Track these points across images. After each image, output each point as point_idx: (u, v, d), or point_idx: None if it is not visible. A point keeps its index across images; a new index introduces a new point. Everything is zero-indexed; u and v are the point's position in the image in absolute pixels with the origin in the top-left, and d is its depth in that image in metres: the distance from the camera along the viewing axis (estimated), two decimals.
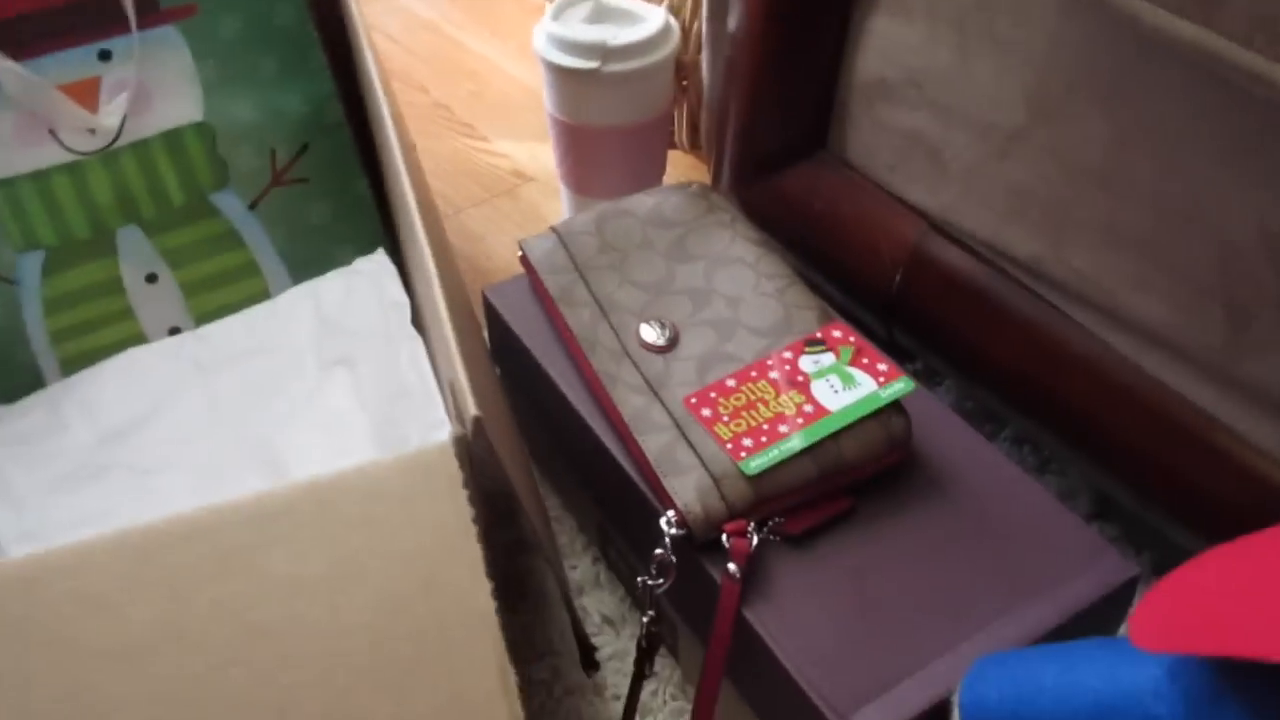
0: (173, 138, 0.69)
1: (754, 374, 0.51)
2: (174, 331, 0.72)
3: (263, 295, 0.74)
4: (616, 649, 0.59)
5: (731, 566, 0.46)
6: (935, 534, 0.49)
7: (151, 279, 0.71)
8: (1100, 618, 0.48)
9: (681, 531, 0.48)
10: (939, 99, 0.54)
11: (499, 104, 1.07)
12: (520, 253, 0.62)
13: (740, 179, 0.67)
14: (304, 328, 0.65)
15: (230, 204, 0.71)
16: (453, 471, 0.35)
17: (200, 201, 0.70)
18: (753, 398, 0.50)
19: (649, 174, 0.82)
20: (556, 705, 0.57)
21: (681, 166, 0.96)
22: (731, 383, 0.51)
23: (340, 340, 0.63)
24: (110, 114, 0.68)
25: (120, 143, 0.69)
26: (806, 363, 0.52)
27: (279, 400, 0.62)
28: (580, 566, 0.63)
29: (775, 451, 0.48)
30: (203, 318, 0.72)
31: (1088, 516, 0.64)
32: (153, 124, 0.69)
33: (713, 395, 0.51)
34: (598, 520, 0.61)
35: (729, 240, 0.59)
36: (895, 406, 0.50)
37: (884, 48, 0.56)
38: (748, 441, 0.48)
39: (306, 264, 0.74)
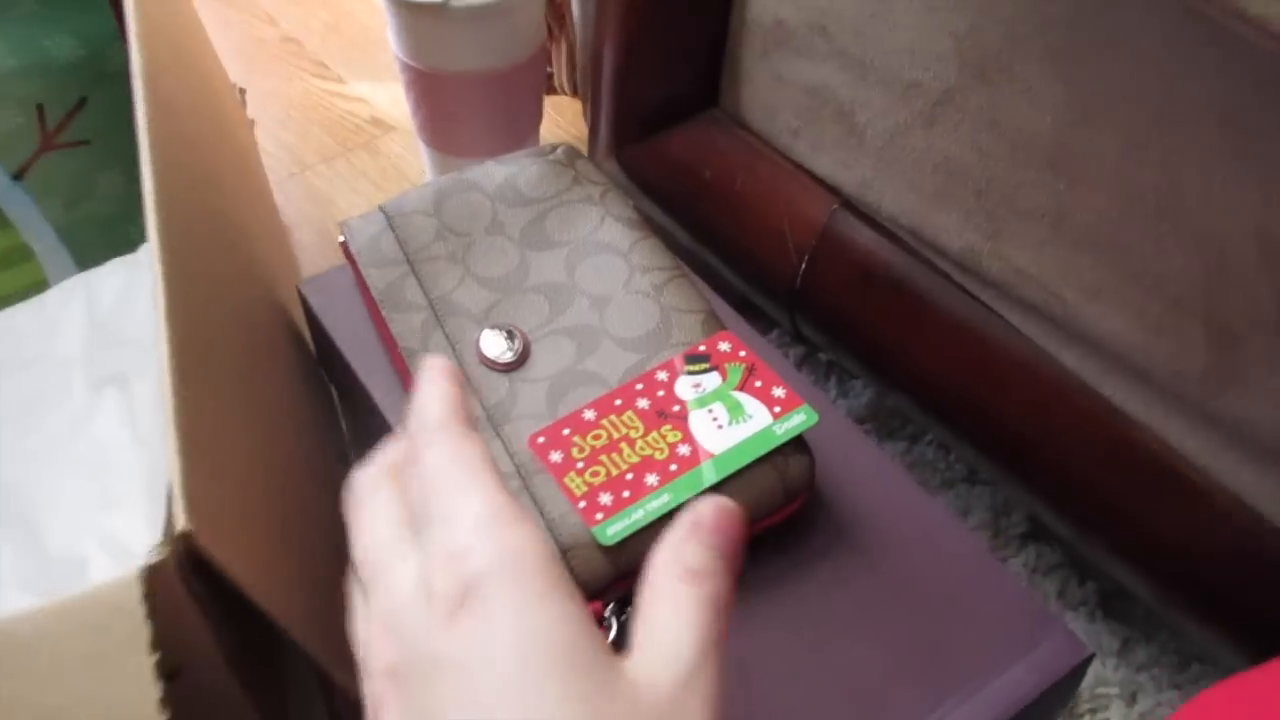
0: None
1: (618, 402, 0.40)
2: None
3: (41, 285, 0.60)
4: None
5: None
6: (843, 607, 0.39)
7: None
8: (1044, 709, 0.39)
9: None
10: (850, 49, 0.43)
11: (358, 39, 0.92)
12: (341, 238, 0.50)
13: (619, 138, 0.56)
14: (73, 335, 0.52)
15: None
16: (136, 624, 0.24)
17: None
18: (615, 435, 0.39)
19: (520, 127, 0.69)
20: None
21: (567, 114, 0.83)
22: (590, 414, 0.40)
23: (113, 353, 0.50)
24: None
25: None
26: (685, 386, 0.41)
27: (38, 433, 0.49)
28: None
29: (639, 513, 0.37)
30: None
31: (1022, 537, 0.55)
32: None
33: (565, 432, 0.40)
34: None
35: (598, 221, 0.48)
36: (795, 443, 0.40)
37: None
38: (605, 498, 0.37)
39: (95, 247, 0.61)
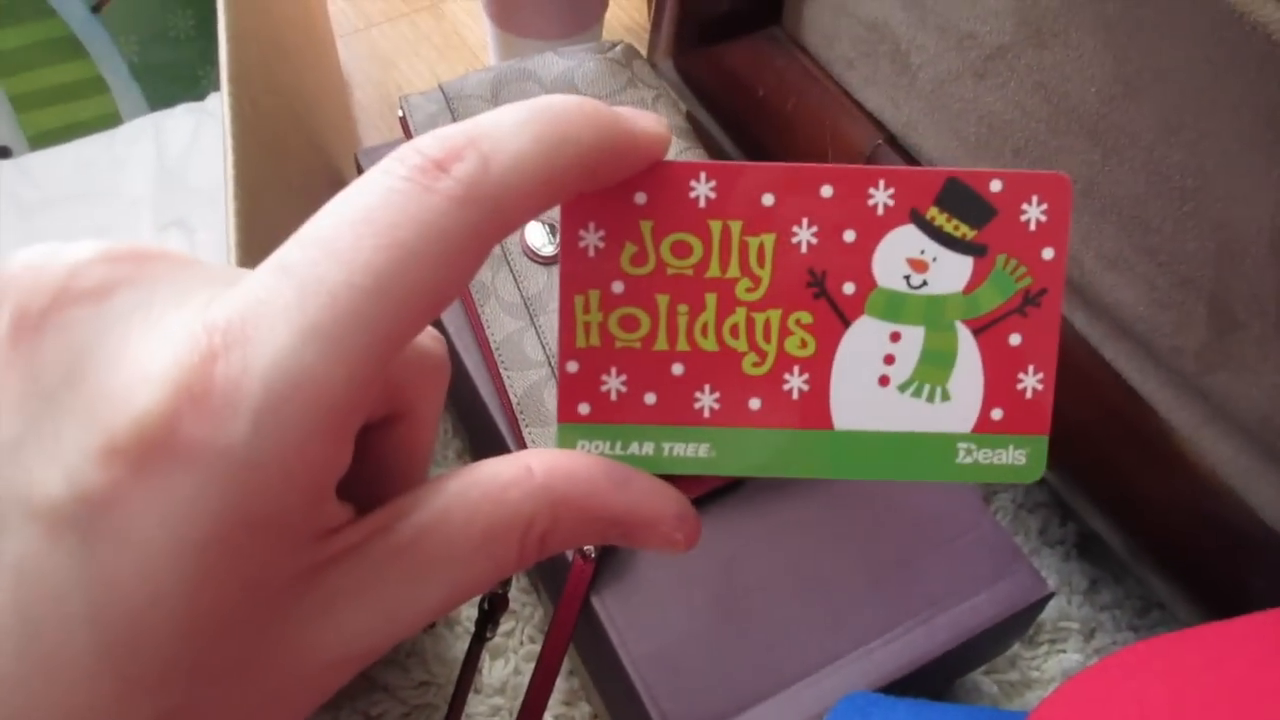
0: None
1: (771, 197, 0.20)
2: (4, 152, 0.61)
3: (113, 119, 0.63)
4: None
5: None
6: (830, 523, 0.42)
7: None
8: (998, 638, 0.43)
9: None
10: None
11: None
12: (400, 112, 0.51)
13: (679, 42, 0.56)
14: (142, 174, 0.55)
15: (68, 3, 0.59)
16: None
17: None
18: (719, 265, 0.20)
19: (584, 12, 0.69)
20: None
21: (631, 5, 0.83)
22: (704, 190, 0.19)
23: (179, 196, 0.53)
24: None
25: None
26: (898, 250, 0.20)
27: None
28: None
29: (646, 447, 0.20)
30: (39, 138, 0.61)
31: None
32: None
33: (640, 201, 0.21)
34: (473, 451, 0.54)
35: None
36: None
37: None
38: (612, 383, 0.20)
39: (166, 86, 0.63)
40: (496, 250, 0.46)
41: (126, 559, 0.14)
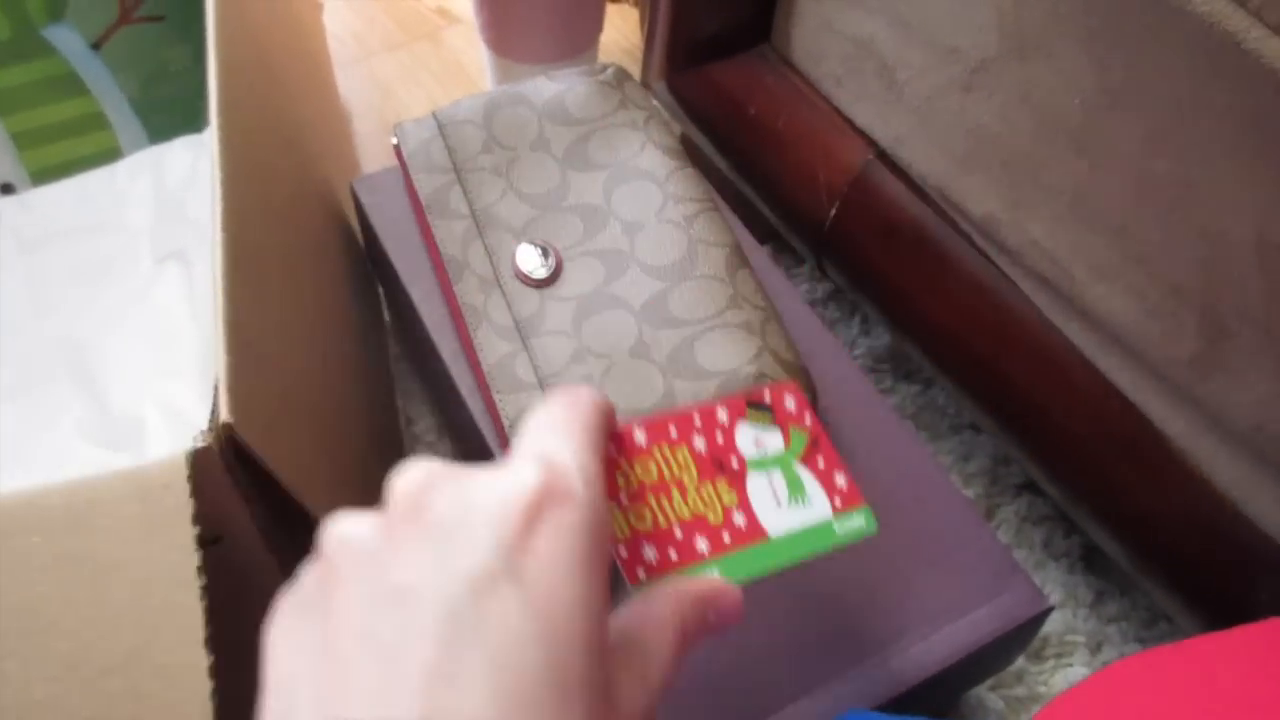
0: None
1: (674, 432, 0.34)
2: (6, 188, 0.62)
3: (115, 153, 0.63)
4: None
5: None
6: None
7: None
8: (999, 654, 0.42)
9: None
10: (898, 6, 0.43)
11: None
12: (394, 140, 0.52)
13: (671, 63, 0.57)
14: (143, 207, 0.55)
15: (68, 41, 0.60)
16: (180, 502, 0.27)
17: (30, 36, 0.59)
18: (667, 474, 0.33)
19: (580, 36, 0.70)
20: None
21: (630, 22, 0.83)
22: (640, 436, 0.34)
23: (178, 229, 0.53)
24: None
25: None
26: (746, 438, 0.35)
27: (107, 295, 0.53)
28: None
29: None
30: (41, 174, 0.62)
31: (1017, 486, 0.58)
32: None
33: (612, 450, 0.33)
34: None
35: (639, 147, 0.49)
36: (803, 377, 0.43)
37: None
38: (650, 552, 0.31)
39: (166, 119, 0.63)
40: (489, 274, 0.47)
41: (546, 577, 0.21)
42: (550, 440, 0.25)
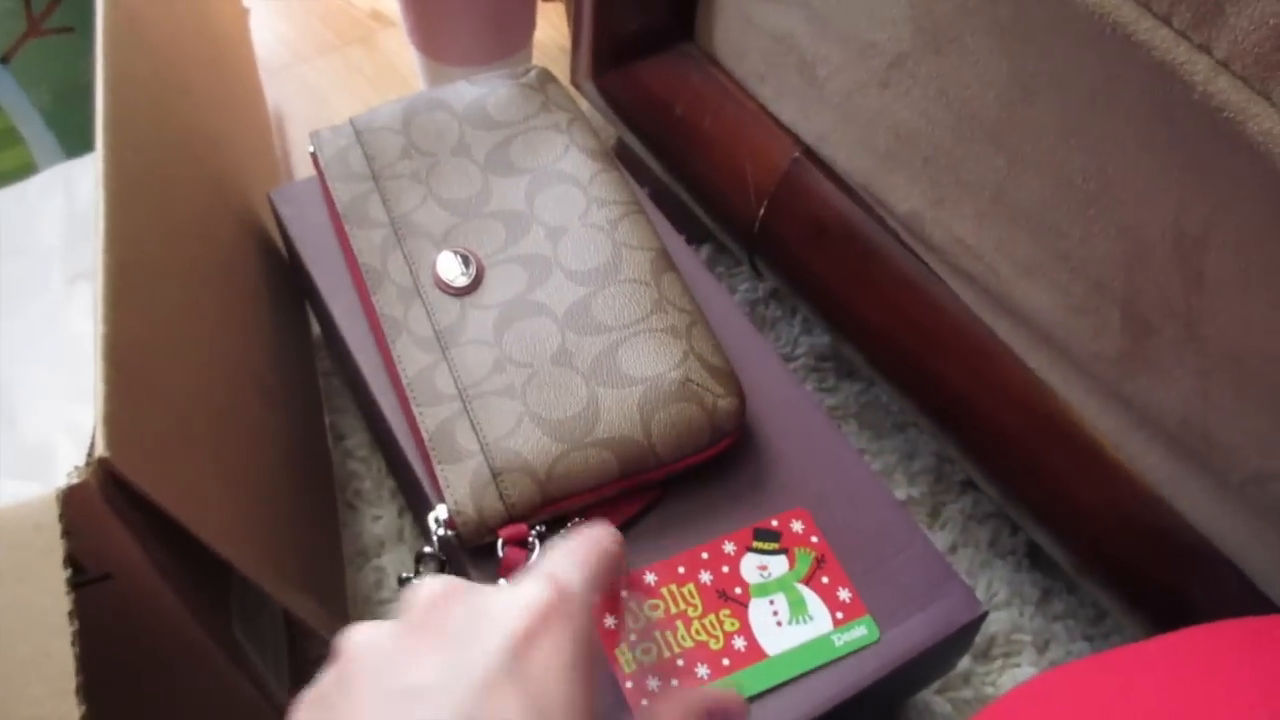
0: None
1: (681, 570, 0.39)
2: None
3: (29, 168, 0.61)
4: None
5: (501, 582, 0.38)
6: None
7: None
8: (938, 660, 0.41)
9: (450, 533, 0.39)
10: (814, 0, 0.42)
11: None
12: (310, 148, 0.50)
13: (597, 63, 0.55)
14: (53, 226, 0.54)
15: None
16: (52, 543, 0.26)
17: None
18: (673, 609, 0.38)
19: (511, 35, 0.68)
20: None
21: (562, 21, 0.82)
22: (651, 578, 0.39)
23: (88, 247, 0.51)
24: None
25: None
26: (750, 567, 0.39)
27: (18, 318, 0.51)
28: (385, 517, 0.55)
29: None
30: None
31: (962, 484, 0.57)
32: None
33: (624, 595, 0.39)
34: (402, 489, 0.53)
35: (561, 150, 0.48)
36: (728, 383, 0.41)
37: None
38: (652, 683, 0.36)
39: (81, 132, 0.61)
40: (408, 283, 0.45)
41: (544, 676, 0.24)
42: (563, 565, 0.28)
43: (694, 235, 0.52)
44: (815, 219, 0.47)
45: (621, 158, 0.55)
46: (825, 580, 0.39)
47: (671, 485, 0.42)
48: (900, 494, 0.56)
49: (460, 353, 0.43)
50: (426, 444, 0.41)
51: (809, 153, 0.47)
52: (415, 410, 0.42)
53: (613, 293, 0.43)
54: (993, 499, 0.55)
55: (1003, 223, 0.39)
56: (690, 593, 0.38)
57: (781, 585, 0.39)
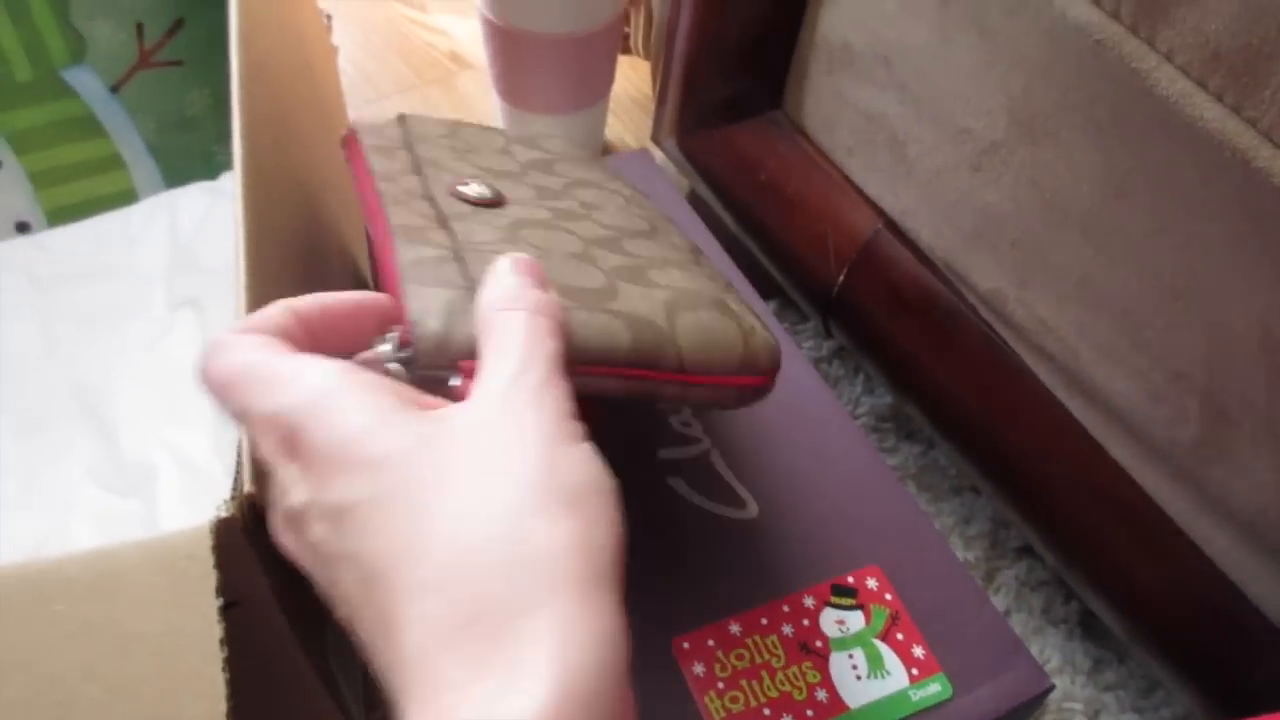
0: (15, 1, 0.58)
1: (764, 621, 0.40)
2: (22, 227, 0.63)
3: (130, 195, 0.64)
4: None
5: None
6: None
7: None
8: None
9: (404, 353, 0.29)
10: (909, 84, 0.44)
11: None
12: (346, 131, 0.45)
13: (683, 124, 0.58)
14: (156, 253, 0.56)
15: (87, 84, 0.61)
16: (205, 572, 0.28)
17: (50, 78, 0.60)
18: (757, 659, 0.39)
19: (592, 87, 0.71)
20: None
21: (641, 73, 0.84)
22: (735, 628, 0.40)
23: (191, 278, 0.54)
24: None
25: None
26: (829, 621, 0.41)
27: (119, 339, 0.53)
28: None
29: None
30: (57, 213, 0.63)
31: (1017, 550, 0.58)
32: None
33: (710, 643, 0.40)
34: None
35: (610, 181, 0.45)
36: (762, 326, 0.36)
37: (854, 8, 0.46)
38: None
39: (181, 162, 0.64)
40: (417, 189, 0.38)
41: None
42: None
43: (762, 290, 0.54)
44: (894, 288, 0.49)
45: (694, 206, 0.57)
46: (900, 637, 0.40)
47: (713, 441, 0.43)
48: (957, 556, 0.58)
49: (464, 225, 0.35)
50: (400, 270, 0.31)
51: (891, 224, 0.49)
52: (394, 246, 0.33)
53: (646, 242, 0.39)
54: (1049, 565, 0.56)
55: (1086, 308, 0.40)
56: (774, 644, 0.40)
57: (859, 640, 0.40)
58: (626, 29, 0.80)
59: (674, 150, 0.60)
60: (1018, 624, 0.56)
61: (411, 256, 0.32)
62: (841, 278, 0.51)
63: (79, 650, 0.27)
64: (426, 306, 0.29)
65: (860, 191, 0.50)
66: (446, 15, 0.89)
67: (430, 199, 0.37)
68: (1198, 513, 0.40)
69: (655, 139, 0.62)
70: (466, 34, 0.87)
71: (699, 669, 0.39)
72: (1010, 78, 0.39)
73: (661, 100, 0.59)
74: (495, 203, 0.37)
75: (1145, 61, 0.30)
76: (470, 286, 0.30)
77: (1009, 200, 0.42)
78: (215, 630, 0.28)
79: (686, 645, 0.40)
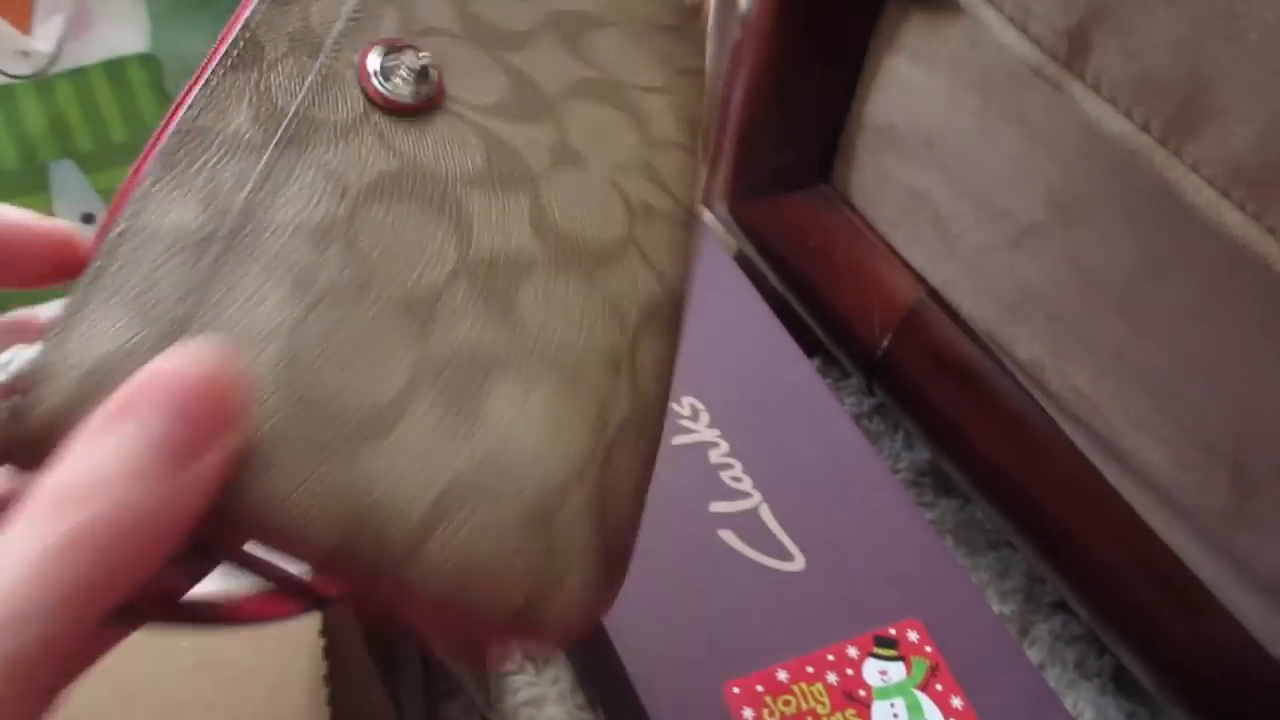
0: (114, 68, 0.63)
1: (810, 669, 0.43)
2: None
3: None
4: (533, 694, 0.56)
5: None
6: None
7: (88, 218, 0.65)
8: None
9: (11, 402, 0.14)
10: (952, 166, 0.47)
11: None
12: None
13: (734, 191, 0.61)
14: None
15: None
16: (311, 639, 0.31)
17: (142, 140, 0.64)
18: (803, 706, 0.42)
19: None
20: None
21: None
22: (783, 675, 0.43)
23: None
24: (44, 37, 0.61)
25: (56, 69, 0.62)
26: (872, 671, 0.43)
27: None
28: None
29: None
30: None
31: (1051, 605, 0.60)
32: (92, 52, 0.62)
33: (759, 689, 0.43)
34: None
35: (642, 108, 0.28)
36: None
37: (899, 94, 0.49)
38: None
39: None
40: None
41: None
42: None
43: (805, 346, 0.57)
44: (936, 353, 0.52)
45: (741, 265, 0.60)
46: (939, 688, 0.43)
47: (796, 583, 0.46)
48: (994, 610, 0.60)
49: (300, 157, 0.21)
50: (101, 248, 0.19)
51: (934, 294, 0.52)
52: (136, 189, 0.20)
53: (579, 284, 0.23)
54: (1083, 620, 0.58)
55: (1121, 380, 0.43)
56: (819, 691, 0.42)
57: (901, 690, 0.42)
58: None
59: (724, 214, 0.63)
60: (1052, 677, 0.57)
61: (140, 223, 0.19)
62: (885, 343, 0.54)
63: (198, 684, 0.30)
64: (84, 348, 0.18)
65: (904, 262, 0.53)
66: None
67: (297, 77, 0.22)
68: (1227, 576, 0.42)
69: (706, 203, 0.65)
70: None
71: (749, 714, 0.41)
72: (1049, 166, 0.42)
73: (714, 168, 0.62)
74: (419, 105, 0.23)
75: (1173, 171, 0.33)
76: (179, 327, 0.18)
77: (1047, 277, 0.44)
78: (319, 666, 0.30)
79: (737, 690, 0.42)
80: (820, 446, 0.50)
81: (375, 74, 0.22)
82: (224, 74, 0.22)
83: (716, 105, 0.63)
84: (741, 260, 0.68)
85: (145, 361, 0.17)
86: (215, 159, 0.20)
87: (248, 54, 0.22)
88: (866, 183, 0.54)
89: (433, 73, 0.23)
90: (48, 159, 0.63)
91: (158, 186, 0.20)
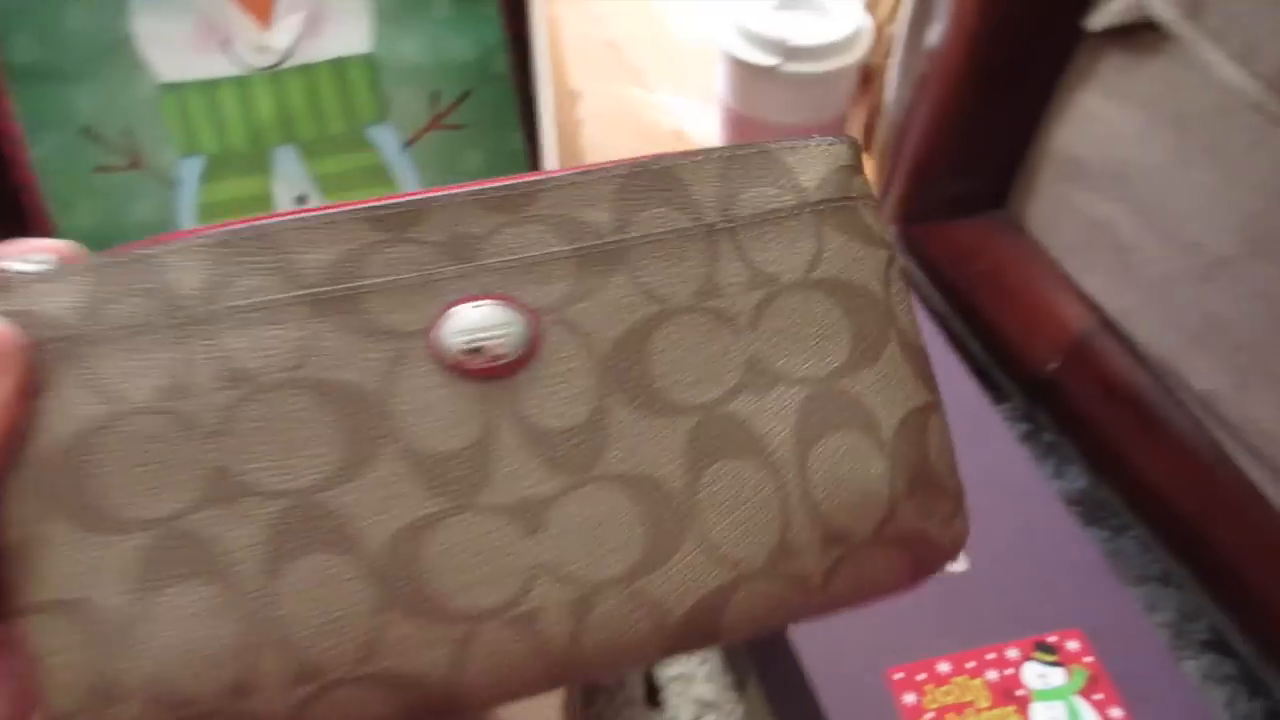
0: (339, 66, 0.69)
1: (971, 664, 0.45)
2: None
3: None
4: (683, 670, 0.59)
5: None
6: None
7: (301, 200, 0.71)
8: None
9: None
10: (1141, 198, 0.49)
11: (676, 52, 1.02)
12: None
13: (906, 215, 0.63)
14: None
15: (386, 140, 0.71)
16: None
17: (357, 133, 0.70)
18: (964, 699, 0.44)
19: None
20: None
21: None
22: (945, 667, 0.45)
23: None
24: (282, 33, 0.67)
25: (288, 64, 0.68)
26: (1032, 673, 0.45)
27: None
28: None
29: None
30: None
31: (1201, 644, 0.60)
32: (322, 49, 0.69)
33: (920, 677, 0.45)
34: None
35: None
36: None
37: (1090, 127, 0.51)
38: None
39: None
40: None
41: None
42: None
43: None
44: (1106, 379, 0.53)
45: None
46: (1099, 697, 0.44)
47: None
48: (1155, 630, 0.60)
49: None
50: None
51: (1105, 323, 0.54)
52: None
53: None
54: (1240, 659, 0.58)
55: None
56: (979, 687, 0.44)
57: (1060, 694, 0.44)
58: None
59: (892, 235, 0.66)
60: None
61: None
62: (1053, 368, 0.56)
63: None
64: None
65: (1077, 290, 0.55)
66: (673, 95, 0.98)
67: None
68: None
69: None
70: (688, 114, 0.96)
71: (910, 699, 0.43)
72: (1249, 198, 0.43)
73: (886, 189, 0.65)
74: (503, 368, 0.21)
75: None
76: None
77: (1235, 310, 0.45)
78: None
79: (899, 676, 0.44)
80: (985, 459, 0.52)
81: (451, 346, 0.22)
82: None
83: (894, 132, 0.66)
84: (905, 278, 0.70)
85: None
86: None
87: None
88: (1045, 211, 0.56)
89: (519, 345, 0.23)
90: (273, 144, 0.69)
91: None
